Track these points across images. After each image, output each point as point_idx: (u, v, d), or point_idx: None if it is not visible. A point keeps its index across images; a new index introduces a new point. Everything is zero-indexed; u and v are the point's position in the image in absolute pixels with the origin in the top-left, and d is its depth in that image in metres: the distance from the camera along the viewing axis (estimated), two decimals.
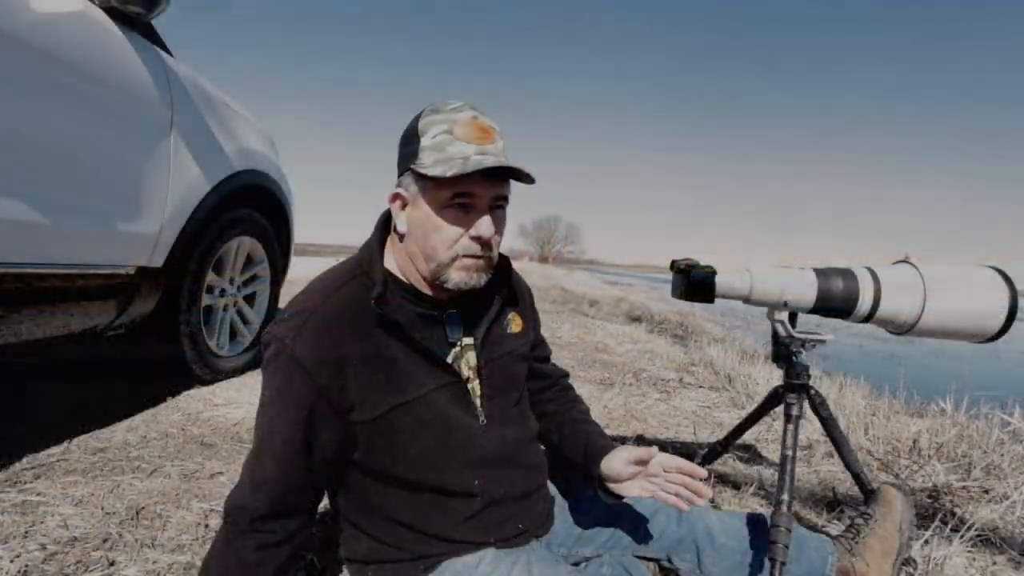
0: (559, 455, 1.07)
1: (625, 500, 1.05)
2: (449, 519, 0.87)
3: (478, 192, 0.81)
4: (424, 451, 0.85)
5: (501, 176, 0.83)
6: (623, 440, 2.03)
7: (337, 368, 0.80)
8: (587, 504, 1.07)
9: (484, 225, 0.82)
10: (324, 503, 0.90)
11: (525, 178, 0.83)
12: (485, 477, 0.89)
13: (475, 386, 0.92)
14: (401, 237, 0.87)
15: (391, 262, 0.90)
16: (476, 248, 0.83)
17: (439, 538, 0.87)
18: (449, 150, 0.79)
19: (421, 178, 0.82)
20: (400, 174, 0.86)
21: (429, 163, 0.80)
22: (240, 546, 0.79)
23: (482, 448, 0.89)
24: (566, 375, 1.18)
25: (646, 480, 0.92)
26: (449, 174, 0.77)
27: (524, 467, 0.94)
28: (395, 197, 0.86)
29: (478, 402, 0.92)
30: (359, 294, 0.84)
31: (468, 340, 0.93)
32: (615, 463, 0.93)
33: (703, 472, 0.88)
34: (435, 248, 0.83)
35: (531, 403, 1.10)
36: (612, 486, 0.95)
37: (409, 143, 0.84)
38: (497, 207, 0.85)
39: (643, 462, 0.91)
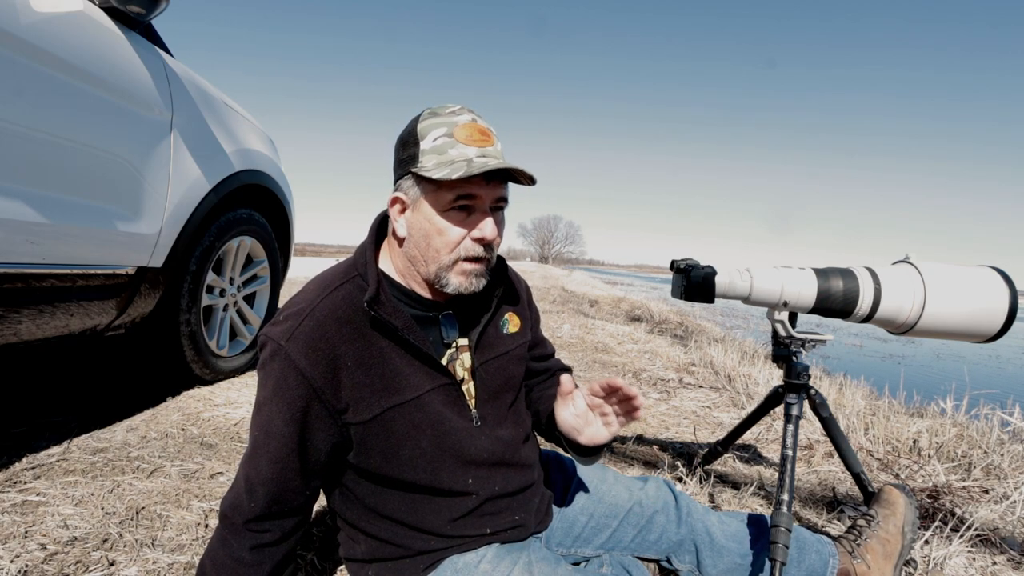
0: (550, 432, 1.03)
1: (625, 503, 1.05)
2: (444, 516, 0.87)
3: (480, 194, 0.81)
4: (418, 452, 0.85)
5: (501, 178, 0.83)
6: (623, 440, 2.03)
7: (332, 369, 0.80)
8: (587, 504, 1.07)
9: (488, 227, 0.82)
10: (323, 503, 0.90)
11: (526, 180, 0.83)
12: (479, 476, 0.89)
13: (469, 387, 0.93)
14: (401, 241, 0.87)
15: (387, 264, 0.90)
16: (479, 250, 0.83)
17: (436, 534, 0.87)
18: (451, 153, 0.80)
19: (422, 181, 0.82)
20: (398, 178, 0.86)
21: (431, 166, 0.80)
22: (236, 546, 0.79)
23: (476, 449, 0.89)
24: (569, 369, 1.16)
25: (599, 416, 0.89)
26: (455, 176, 0.76)
27: (518, 466, 0.95)
28: (395, 201, 0.86)
29: (472, 403, 0.92)
30: (354, 296, 0.84)
31: (463, 341, 0.93)
32: (567, 418, 0.90)
33: (635, 392, 0.84)
34: (437, 251, 0.83)
35: (528, 399, 1.09)
36: (578, 438, 0.91)
37: (408, 147, 0.83)
38: (497, 208, 0.86)
39: (598, 395, 0.87)
